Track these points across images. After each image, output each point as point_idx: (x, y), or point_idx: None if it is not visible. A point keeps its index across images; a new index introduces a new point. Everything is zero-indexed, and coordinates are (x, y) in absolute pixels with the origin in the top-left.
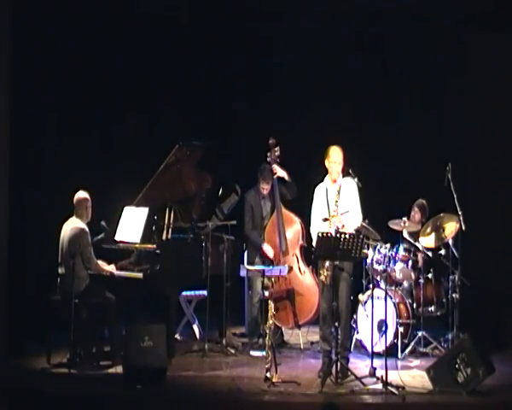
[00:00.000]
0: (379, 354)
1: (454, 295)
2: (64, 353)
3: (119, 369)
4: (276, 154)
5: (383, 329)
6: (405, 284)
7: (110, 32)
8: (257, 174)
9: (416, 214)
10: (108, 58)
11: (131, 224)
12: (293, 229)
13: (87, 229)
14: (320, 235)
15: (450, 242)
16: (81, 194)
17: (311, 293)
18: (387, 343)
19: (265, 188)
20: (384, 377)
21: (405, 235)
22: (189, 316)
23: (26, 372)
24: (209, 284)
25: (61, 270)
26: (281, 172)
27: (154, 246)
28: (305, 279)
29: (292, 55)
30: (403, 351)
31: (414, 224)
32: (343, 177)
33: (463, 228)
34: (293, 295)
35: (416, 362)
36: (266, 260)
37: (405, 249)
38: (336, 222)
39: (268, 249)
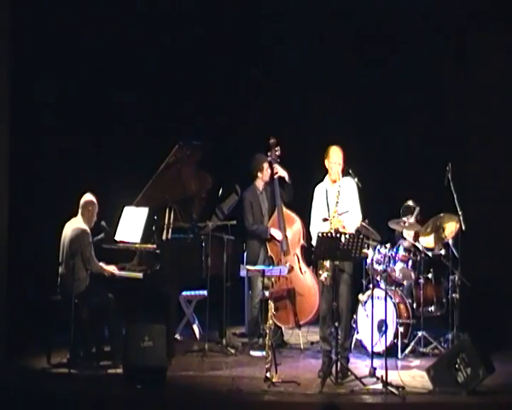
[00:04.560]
0: (379, 354)
1: (454, 295)
2: (64, 353)
3: (119, 369)
4: (277, 153)
5: (383, 329)
6: (405, 284)
7: (109, 32)
8: (251, 170)
9: (407, 220)
10: (108, 58)
11: (131, 224)
12: (294, 229)
13: (88, 229)
14: (320, 235)
15: (450, 242)
16: (88, 196)
17: (312, 293)
18: (387, 343)
19: (266, 169)
20: (384, 377)
21: (405, 235)
22: (189, 316)
23: (26, 372)
24: (209, 284)
25: (61, 270)
26: (282, 172)
27: (154, 246)
28: (306, 279)
29: (292, 54)
30: (403, 351)
31: (412, 227)
32: (343, 177)
33: (463, 228)
34: (293, 294)
35: (416, 362)
36: (268, 258)
37: (405, 249)
38: (336, 222)
39: (275, 232)
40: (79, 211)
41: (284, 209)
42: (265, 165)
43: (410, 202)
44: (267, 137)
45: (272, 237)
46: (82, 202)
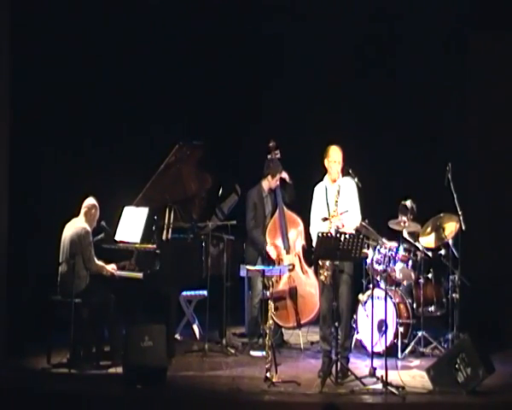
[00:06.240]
0: (379, 354)
1: (454, 295)
2: (64, 353)
3: (119, 369)
4: (277, 156)
5: (383, 329)
6: (405, 284)
7: (110, 32)
8: (264, 170)
9: (401, 219)
10: (108, 58)
11: (131, 224)
12: (296, 229)
13: (89, 229)
14: (320, 235)
15: (450, 242)
16: (91, 200)
17: (313, 293)
18: (387, 343)
19: (276, 179)
20: (384, 377)
21: (405, 235)
22: (189, 316)
23: (26, 372)
24: (209, 284)
25: (61, 269)
26: (283, 174)
27: (154, 246)
28: (308, 279)
29: (292, 55)
30: (403, 351)
31: (411, 227)
32: (343, 176)
33: (463, 228)
34: (295, 293)
35: (416, 362)
36: (267, 261)
37: (405, 249)
38: (336, 222)
39: (271, 250)
40: (81, 212)
41: (286, 210)
42: (278, 175)
43: (408, 202)
44: (267, 141)
45: (271, 236)
46: (85, 204)
